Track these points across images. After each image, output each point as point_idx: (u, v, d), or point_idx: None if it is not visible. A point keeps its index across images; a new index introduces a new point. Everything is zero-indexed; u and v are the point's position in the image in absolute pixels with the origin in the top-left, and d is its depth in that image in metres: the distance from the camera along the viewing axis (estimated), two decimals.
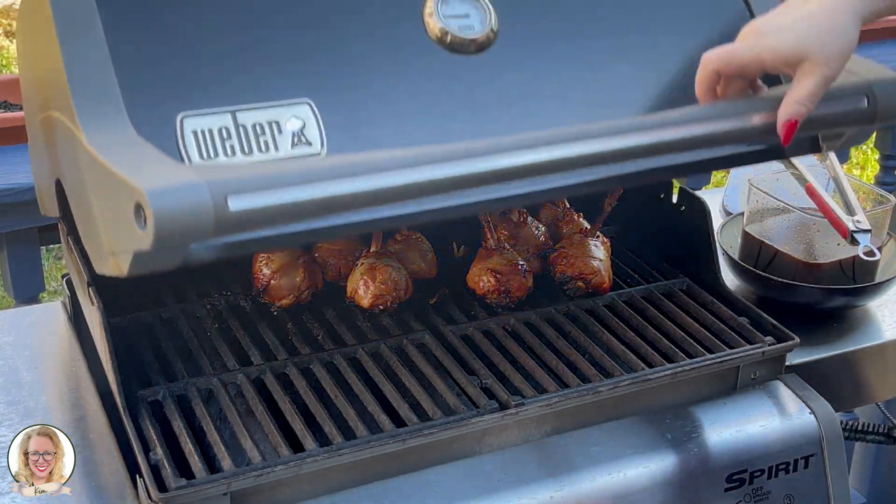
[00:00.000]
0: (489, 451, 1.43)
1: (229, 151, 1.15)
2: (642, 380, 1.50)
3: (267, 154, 1.16)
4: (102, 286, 1.40)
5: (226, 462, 1.31)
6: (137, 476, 1.29)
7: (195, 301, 1.67)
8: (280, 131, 1.17)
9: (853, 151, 4.79)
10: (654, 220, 1.82)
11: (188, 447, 1.33)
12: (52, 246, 3.55)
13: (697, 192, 1.75)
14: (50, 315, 1.72)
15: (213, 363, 1.53)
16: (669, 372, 1.52)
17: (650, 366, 1.54)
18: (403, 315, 1.64)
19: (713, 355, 1.56)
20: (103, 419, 1.45)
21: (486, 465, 1.41)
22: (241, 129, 1.15)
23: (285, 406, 1.42)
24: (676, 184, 1.78)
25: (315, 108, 1.18)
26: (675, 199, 1.76)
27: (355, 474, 1.35)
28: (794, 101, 1.14)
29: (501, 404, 1.43)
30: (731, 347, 1.58)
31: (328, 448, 1.33)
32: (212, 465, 1.33)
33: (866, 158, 5.03)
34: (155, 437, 1.33)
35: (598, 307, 1.70)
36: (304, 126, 1.18)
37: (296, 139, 1.18)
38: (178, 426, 1.38)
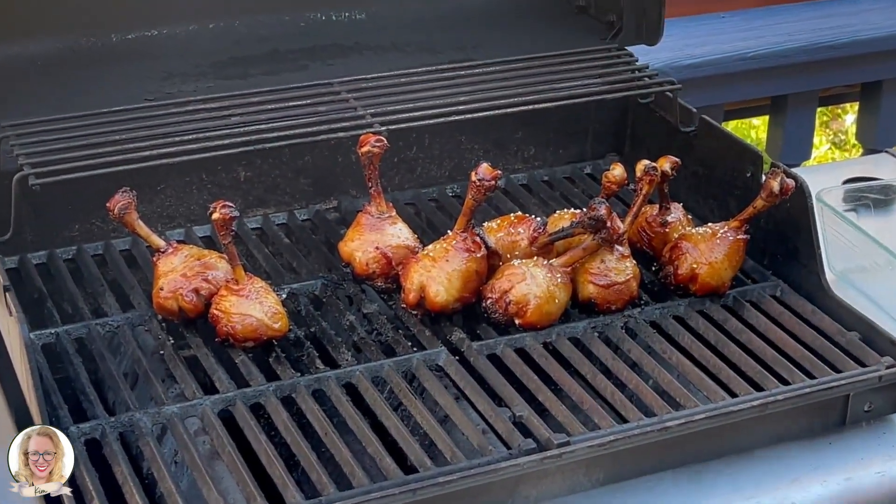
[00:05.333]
0: None
1: None
2: (723, 412, 1.42)
3: None
4: (24, 292, 1.38)
5: None
6: None
7: (145, 310, 1.58)
8: None
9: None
10: (739, 206, 1.72)
11: (134, 499, 1.27)
12: None
13: (795, 170, 1.63)
14: None
15: (167, 390, 1.47)
16: (759, 403, 1.44)
17: (733, 395, 1.47)
18: (414, 328, 1.57)
19: (814, 381, 1.50)
20: None
21: None
22: None
23: (260, 446, 1.36)
24: (768, 159, 1.72)
25: None
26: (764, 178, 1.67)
27: None
28: None
29: (540, 444, 1.36)
30: (837, 371, 1.52)
31: (316, 500, 1.26)
32: None
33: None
34: (91, 487, 1.27)
35: (665, 319, 1.62)
36: None
37: None
38: (122, 472, 1.31)
